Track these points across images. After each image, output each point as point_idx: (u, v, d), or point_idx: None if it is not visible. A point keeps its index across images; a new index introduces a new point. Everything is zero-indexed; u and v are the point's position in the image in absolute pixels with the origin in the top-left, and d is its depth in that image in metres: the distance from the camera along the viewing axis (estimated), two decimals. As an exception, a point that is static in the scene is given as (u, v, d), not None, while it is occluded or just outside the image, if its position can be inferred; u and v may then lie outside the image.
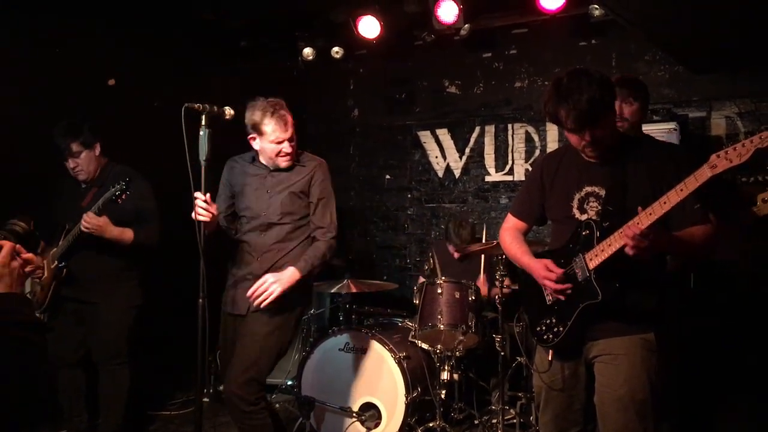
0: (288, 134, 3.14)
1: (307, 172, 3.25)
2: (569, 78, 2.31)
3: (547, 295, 2.51)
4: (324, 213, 3.25)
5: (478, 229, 5.21)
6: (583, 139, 2.36)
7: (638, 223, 2.17)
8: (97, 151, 3.68)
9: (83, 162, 3.62)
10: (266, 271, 3.11)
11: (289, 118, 3.14)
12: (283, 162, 3.19)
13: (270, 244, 3.19)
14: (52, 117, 3.72)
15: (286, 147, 3.15)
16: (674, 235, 2.30)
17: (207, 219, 2.86)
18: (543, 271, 2.45)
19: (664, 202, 2.14)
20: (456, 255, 4.73)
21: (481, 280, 4.53)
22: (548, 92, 2.36)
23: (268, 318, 3.09)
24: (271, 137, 3.11)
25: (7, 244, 1.66)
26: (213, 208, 2.90)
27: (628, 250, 2.18)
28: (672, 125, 4.28)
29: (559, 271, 2.41)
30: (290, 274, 3.07)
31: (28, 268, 1.70)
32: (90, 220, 3.38)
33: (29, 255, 1.72)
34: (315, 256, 3.16)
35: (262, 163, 3.26)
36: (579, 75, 2.31)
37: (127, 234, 3.55)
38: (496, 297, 4.00)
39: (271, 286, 3.01)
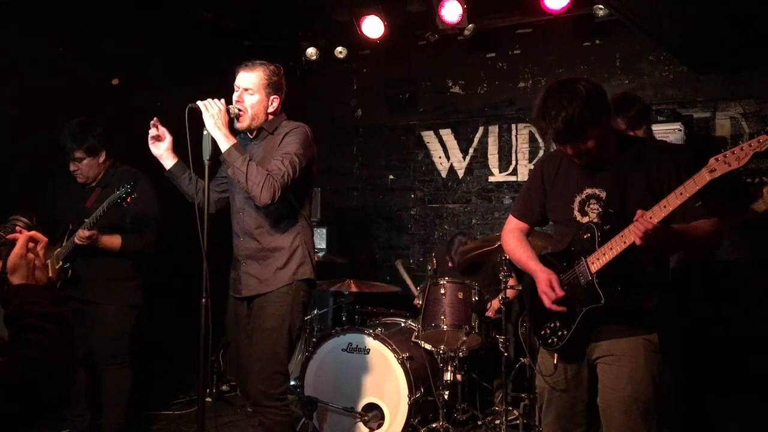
0: (240, 82, 3.01)
1: (279, 139, 3.00)
2: (553, 91, 2.29)
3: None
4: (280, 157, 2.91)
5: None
6: (567, 150, 2.37)
7: (651, 217, 2.13)
8: (102, 158, 3.62)
9: (84, 168, 3.59)
10: (253, 252, 3.05)
11: (255, 71, 3.03)
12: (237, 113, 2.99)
13: (248, 223, 3.06)
14: (55, 117, 3.69)
15: (236, 96, 3.03)
16: (678, 227, 2.23)
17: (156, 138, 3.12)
18: (545, 286, 2.43)
19: (664, 206, 2.13)
20: (450, 265, 4.71)
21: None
22: (536, 103, 2.34)
23: (272, 310, 3.00)
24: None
25: (23, 235, 1.63)
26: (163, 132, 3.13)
27: (638, 241, 2.12)
28: (677, 125, 4.28)
29: (560, 293, 2.38)
30: None
31: (39, 247, 1.65)
32: (82, 239, 3.37)
33: (33, 232, 1.66)
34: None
35: (244, 138, 3.10)
36: (563, 89, 2.27)
37: (115, 242, 3.53)
38: (500, 306, 3.99)
39: None
